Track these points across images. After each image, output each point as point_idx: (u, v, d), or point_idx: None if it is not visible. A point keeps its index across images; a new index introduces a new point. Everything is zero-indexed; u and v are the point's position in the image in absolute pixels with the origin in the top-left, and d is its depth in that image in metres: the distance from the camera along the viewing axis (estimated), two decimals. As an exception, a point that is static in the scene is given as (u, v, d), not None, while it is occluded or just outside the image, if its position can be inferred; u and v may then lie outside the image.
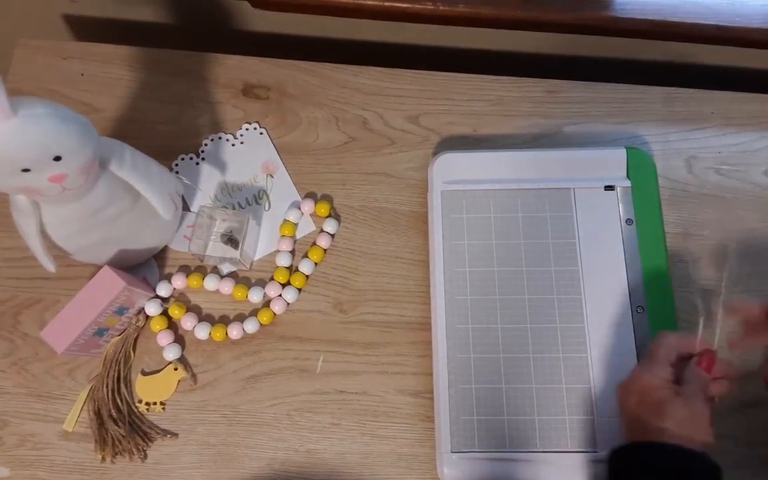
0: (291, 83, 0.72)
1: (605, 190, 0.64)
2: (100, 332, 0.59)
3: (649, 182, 0.65)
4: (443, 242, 0.62)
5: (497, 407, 0.58)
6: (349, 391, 0.61)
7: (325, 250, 0.65)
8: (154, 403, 0.61)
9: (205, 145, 0.69)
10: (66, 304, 0.56)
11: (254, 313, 0.63)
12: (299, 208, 0.66)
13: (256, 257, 0.66)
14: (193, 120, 0.70)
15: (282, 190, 0.68)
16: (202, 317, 0.63)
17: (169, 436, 0.60)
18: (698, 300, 0.63)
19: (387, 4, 0.69)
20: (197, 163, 0.68)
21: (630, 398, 0.51)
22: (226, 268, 0.65)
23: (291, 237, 0.66)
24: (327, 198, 0.68)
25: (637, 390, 0.51)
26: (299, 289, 0.64)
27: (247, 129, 0.70)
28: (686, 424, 0.47)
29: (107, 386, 0.60)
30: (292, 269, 0.65)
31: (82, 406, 0.60)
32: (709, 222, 0.66)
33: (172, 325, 0.63)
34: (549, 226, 0.63)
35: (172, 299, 0.64)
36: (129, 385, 0.61)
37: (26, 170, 0.47)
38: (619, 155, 0.65)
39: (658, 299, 0.60)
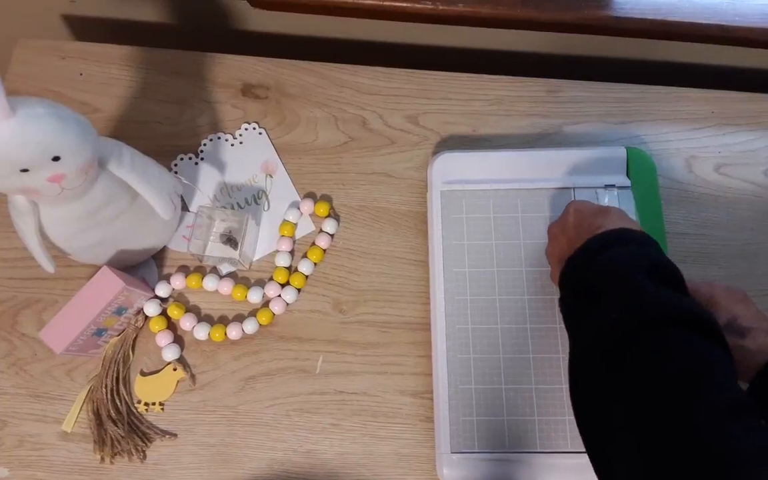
0: (290, 83, 0.72)
1: (605, 189, 0.64)
2: (99, 332, 0.59)
3: (649, 182, 0.65)
4: (443, 242, 0.62)
5: (497, 408, 0.58)
6: (348, 391, 0.61)
7: (324, 250, 0.65)
8: (153, 404, 0.61)
9: (204, 145, 0.69)
10: (65, 305, 0.56)
11: (253, 313, 0.63)
12: (298, 208, 0.66)
13: (256, 257, 0.66)
14: (192, 120, 0.70)
15: (281, 190, 0.68)
16: (201, 317, 0.63)
17: (168, 436, 0.60)
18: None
19: (386, 3, 0.69)
20: (196, 163, 0.68)
21: (566, 224, 0.53)
22: (225, 269, 0.65)
23: (290, 237, 0.66)
24: (326, 198, 0.68)
25: (572, 211, 0.53)
26: (298, 290, 0.64)
27: (246, 129, 0.70)
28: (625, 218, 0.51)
29: (106, 387, 0.60)
30: (291, 269, 0.65)
31: (81, 407, 0.60)
32: (709, 222, 0.66)
33: (171, 326, 0.63)
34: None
35: (171, 299, 0.64)
36: (128, 385, 0.61)
37: (25, 170, 0.47)
38: (619, 155, 0.65)
39: (658, 299, 0.60)
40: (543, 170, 0.65)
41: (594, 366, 0.41)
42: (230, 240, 0.64)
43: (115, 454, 0.59)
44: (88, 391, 0.60)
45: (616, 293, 0.43)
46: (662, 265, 0.45)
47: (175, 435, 0.60)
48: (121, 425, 0.59)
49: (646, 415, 0.37)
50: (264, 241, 0.66)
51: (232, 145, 0.69)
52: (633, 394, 0.38)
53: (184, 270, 0.65)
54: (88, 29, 0.84)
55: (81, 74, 0.71)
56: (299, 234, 0.66)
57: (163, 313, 0.63)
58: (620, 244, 0.46)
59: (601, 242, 0.47)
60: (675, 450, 0.34)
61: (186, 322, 0.62)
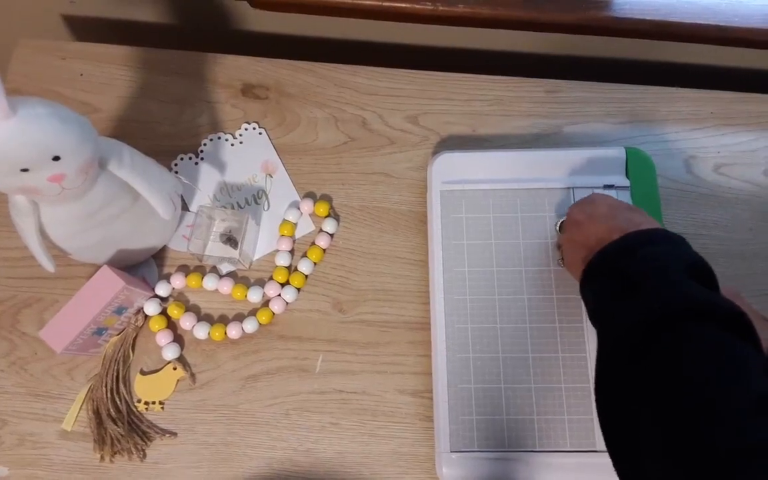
0: (290, 83, 0.72)
1: (605, 189, 0.64)
2: (99, 332, 0.59)
3: (648, 182, 0.65)
4: (442, 242, 0.62)
5: (496, 407, 0.58)
6: (348, 390, 0.61)
7: (324, 250, 0.65)
8: (153, 403, 0.61)
9: (204, 144, 0.69)
10: (65, 304, 0.56)
11: (253, 312, 0.63)
12: (298, 208, 0.66)
13: (255, 257, 0.66)
14: (193, 120, 0.70)
15: (281, 189, 0.68)
16: (201, 317, 0.63)
17: (168, 435, 0.60)
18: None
19: (386, 4, 0.69)
20: (196, 163, 0.68)
21: (595, 212, 0.52)
22: (225, 268, 0.65)
23: (290, 237, 0.66)
24: (326, 198, 0.68)
25: (602, 202, 0.52)
26: (298, 289, 0.64)
27: (246, 129, 0.70)
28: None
29: (106, 386, 0.60)
30: (291, 269, 0.65)
31: (81, 406, 0.60)
32: (709, 222, 0.66)
33: (171, 325, 0.63)
34: (548, 226, 0.63)
35: (171, 299, 0.64)
36: (128, 384, 0.61)
37: (25, 170, 0.47)
38: (619, 155, 0.65)
39: (658, 299, 0.60)
40: (543, 170, 0.65)
41: (626, 356, 0.41)
42: (230, 239, 0.64)
43: (115, 453, 0.59)
44: (88, 390, 0.60)
45: (656, 285, 0.42)
46: (701, 265, 0.45)
47: (175, 434, 0.60)
48: (121, 424, 0.59)
49: (675, 412, 0.36)
50: (264, 240, 0.66)
51: (232, 145, 0.69)
52: (663, 385, 0.38)
53: (184, 269, 0.65)
54: (88, 29, 0.84)
55: (81, 74, 0.71)
56: (299, 234, 0.66)
57: (163, 313, 0.63)
58: (664, 242, 0.46)
59: (645, 237, 0.47)
60: (703, 449, 0.34)
61: (186, 322, 0.62)
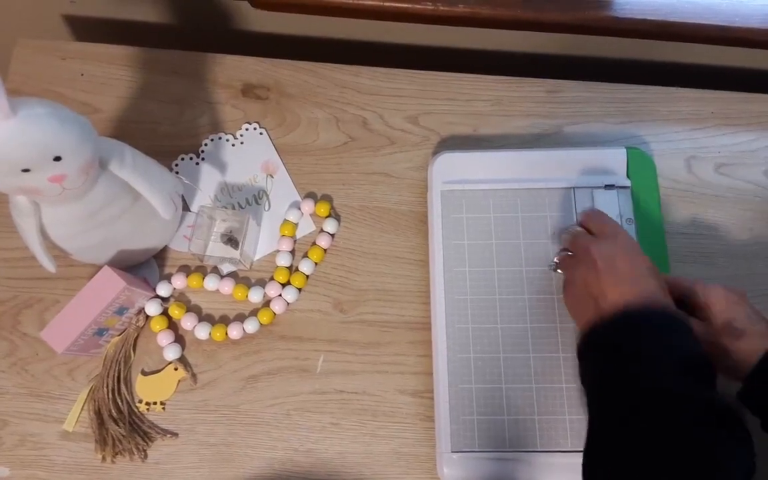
0: (291, 83, 0.72)
1: (605, 189, 0.64)
2: (100, 332, 0.59)
3: (649, 182, 0.65)
4: (443, 242, 0.62)
5: (497, 407, 0.58)
6: (349, 390, 0.61)
7: (325, 250, 0.65)
8: (155, 403, 0.61)
9: (205, 145, 0.69)
10: (66, 304, 0.56)
11: (254, 312, 0.63)
12: (299, 208, 0.67)
13: (256, 257, 0.66)
14: (193, 120, 0.70)
15: (282, 190, 0.68)
16: (202, 317, 0.63)
17: (169, 435, 0.60)
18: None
19: (387, 4, 0.69)
20: (197, 163, 0.68)
21: (588, 275, 0.51)
22: (226, 268, 0.65)
23: (291, 237, 0.66)
24: (327, 198, 0.68)
25: (597, 258, 0.52)
26: (299, 289, 0.64)
27: (247, 129, 0.70)
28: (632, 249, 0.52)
29: (107, 386, 0.60)
30: (292, 269, 0.65)
31: (83, 406, 0.60)
32: (709, 222, 0.66)
33: (172, 325, 0.63)
34: (549, 226, 0.63)
35: (172, 299, 0.64)
36: (129, 385, 0.61)
37: (26, 170, 0.47)
38: (619, 155, 0.65)
39: (658, 299, 0.60)
40: (543, 170, 0.65)
41: (615, 452, 0.43)
42: (231, 240, 0.64)
43: (117, 454, 0.59)
44: (90, 390, 0.60)
45: (655, 375, 0.45)
46: (693, 356, 0.46)
47: (176, 434, 0.60)
48: (122, 425, 0.59)
49: None
50: (265, 240, 0.66)
51: (233, 145, 0.69)
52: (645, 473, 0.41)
53: (185, 270, 0.65)
54: (88, 29, 0.84)
55: (82, 74, 0.71)
56: (300, 234, 0.66)
57: (164, 313, 0.63)
58: (668, 328, 0.47)
59: (656, 321, 0.48)
60: None
61: (187, 322, 0.62)
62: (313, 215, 0.67)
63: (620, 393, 0.45)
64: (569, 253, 0.57)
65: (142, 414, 0.60)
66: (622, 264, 0.50)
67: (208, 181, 0.68)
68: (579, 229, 0.59)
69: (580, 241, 0.56)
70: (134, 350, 0.62)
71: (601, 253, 0.52)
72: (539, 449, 0.57)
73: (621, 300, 0.48)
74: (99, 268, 0.57)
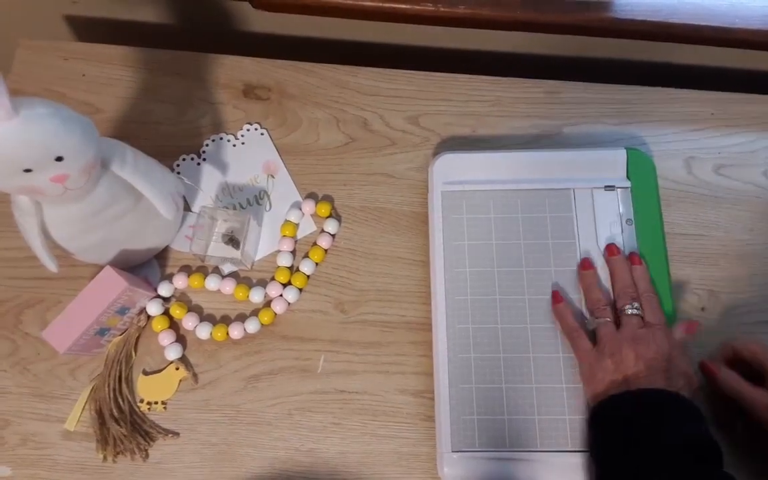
0: (291, 84, 0.72)
1: (605, 190, 0.64)
2: (102, 332, 0.59)
3: (648, 183, 0.65)
4: (443, 242, 0.63)
5: (497, 407, 0.58)
6: (349, 390, 0.61)
7: (326, 251, 0.66)
8: (156, 403, 0.61)
9: (206, 145, 0.69)
10: (68, 304, 0.56)
11: (255, 313, 0.63)
12: (300, 209, 0.67)
13: (257, 257, 0.66)
14: (194, 120, 0.70)
15: (283, 190, 0.68)
16: (204, 317, 0.64)
17: (170, 435, 0.60)
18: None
19: (387, 5, 0.70)
20: (198, 164, 0.68)
21: (602, 355, 0.55)
22: (227, 268, 0.65)
23: (292, 237, 0.66)
24: (328, 198, 0.68)
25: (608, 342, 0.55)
26: (300, 289, 0.64)
27: (248, 129, 0.70)
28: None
29: (109, 386, 0.60)
30: (293, 269, 0.65)
31: (84, 406, 0.60)
32: (709, 222, 0.66)
33: (173, 325, 0.63)
34: (549, 227, 0.63)
35: (174, 299, 0.64)
36: (130, 384, 0.61)
37: (28, 170, 0.47)
38: (619, 156, 0.65)
39: (658, 299, 0.61)
40: (543, 171, 0.65)
41: None
42: (232, 240, 0.64)
43: (118, 453, 0.59)
44: (91, 390, 0.61)
45: (659, 462, 0.48)
46: (699, 443, 0.49)
47: (177, 434, 0.60)
48: (123, 424, 0.59)
49: None
50: (266, 241, 0.66)
51: (234, 145, 0.69)
52: None
53: (187, 270, 0.65)
54: (90, 30, 0.84)
55: (83, 75, 0.71)
56: (301, 234, 0.67)
57: (166, 313, 0.63)
58: (660, 418, 0.50)
59: (673, 406, 0.51)
60: None
61: (188, 322, 0.63)
62: (314, 215, 0.67)
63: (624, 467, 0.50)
64: (607, 320, 0.57)
65: (143, 414, 0.60)
66: (653, 351, 0.54)
67: (210, 181, 0.68)
68: (630, 309, 0.58)
69: (617, 336, 0.56)
70: (136, 350, 0.62)
71: (589, 349, 0.57)
72: (539, 449, 0.57)
73: (618, 379, 0.53)
74: (101, 268, 0.57)
